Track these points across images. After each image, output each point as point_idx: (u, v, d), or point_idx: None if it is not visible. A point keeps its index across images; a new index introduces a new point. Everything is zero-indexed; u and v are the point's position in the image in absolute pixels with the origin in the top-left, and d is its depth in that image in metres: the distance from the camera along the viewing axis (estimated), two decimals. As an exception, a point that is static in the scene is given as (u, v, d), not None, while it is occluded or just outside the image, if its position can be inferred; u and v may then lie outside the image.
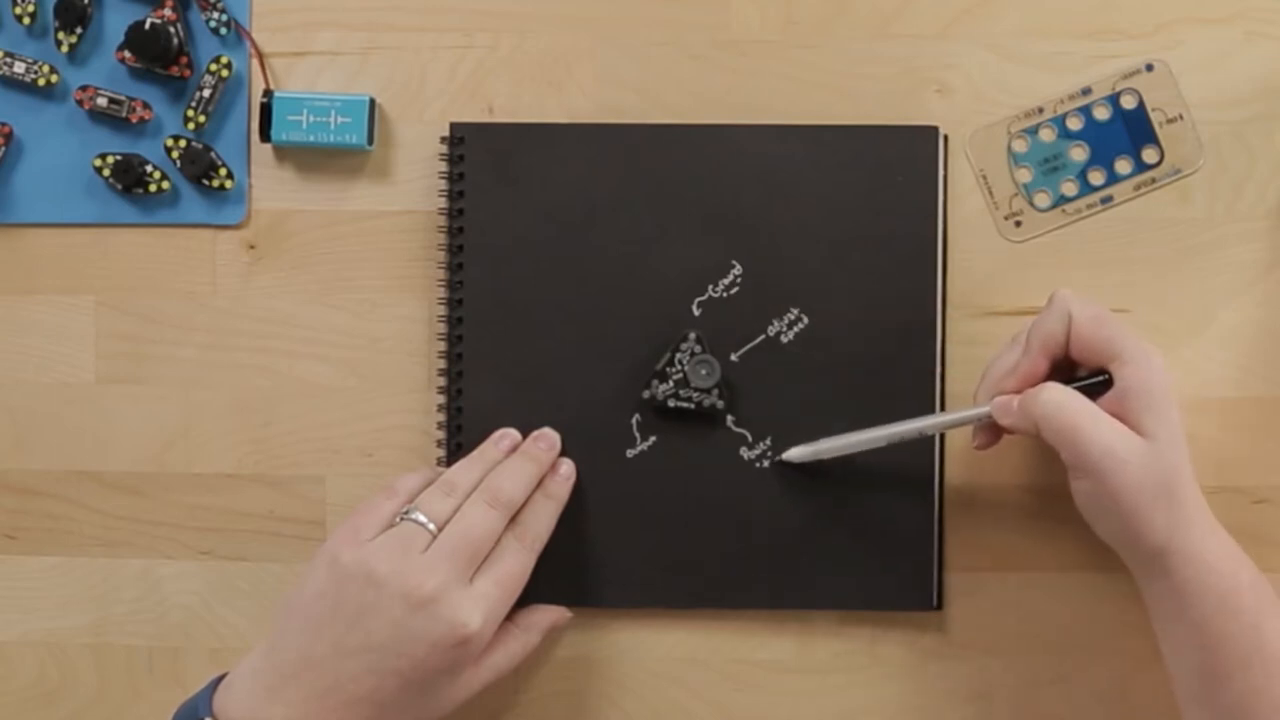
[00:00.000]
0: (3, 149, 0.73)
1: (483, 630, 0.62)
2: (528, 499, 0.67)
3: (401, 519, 0.64)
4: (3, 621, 0.74)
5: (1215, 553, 0.61)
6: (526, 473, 0.68)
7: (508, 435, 0.70)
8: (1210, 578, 0.61)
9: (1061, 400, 0.61)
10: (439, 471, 0.68)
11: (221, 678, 0.63)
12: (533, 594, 0.71)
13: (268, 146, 0.73)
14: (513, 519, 0.66)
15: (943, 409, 0.70)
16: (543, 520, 0.67)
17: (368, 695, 0.61)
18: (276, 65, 0.73)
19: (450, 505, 0.65)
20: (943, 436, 0.70)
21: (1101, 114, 0.71)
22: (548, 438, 0.70)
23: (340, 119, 0.70)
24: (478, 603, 0.62)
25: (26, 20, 0.73)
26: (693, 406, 0.70)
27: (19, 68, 0.73)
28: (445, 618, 0.61)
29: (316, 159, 0.73)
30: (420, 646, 0.61)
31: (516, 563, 0.65)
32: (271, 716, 0.60)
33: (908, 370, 0.70)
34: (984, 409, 0.65)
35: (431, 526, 0.64)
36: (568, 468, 0.69)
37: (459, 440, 0.71)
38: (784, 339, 0.70)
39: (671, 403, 0.70)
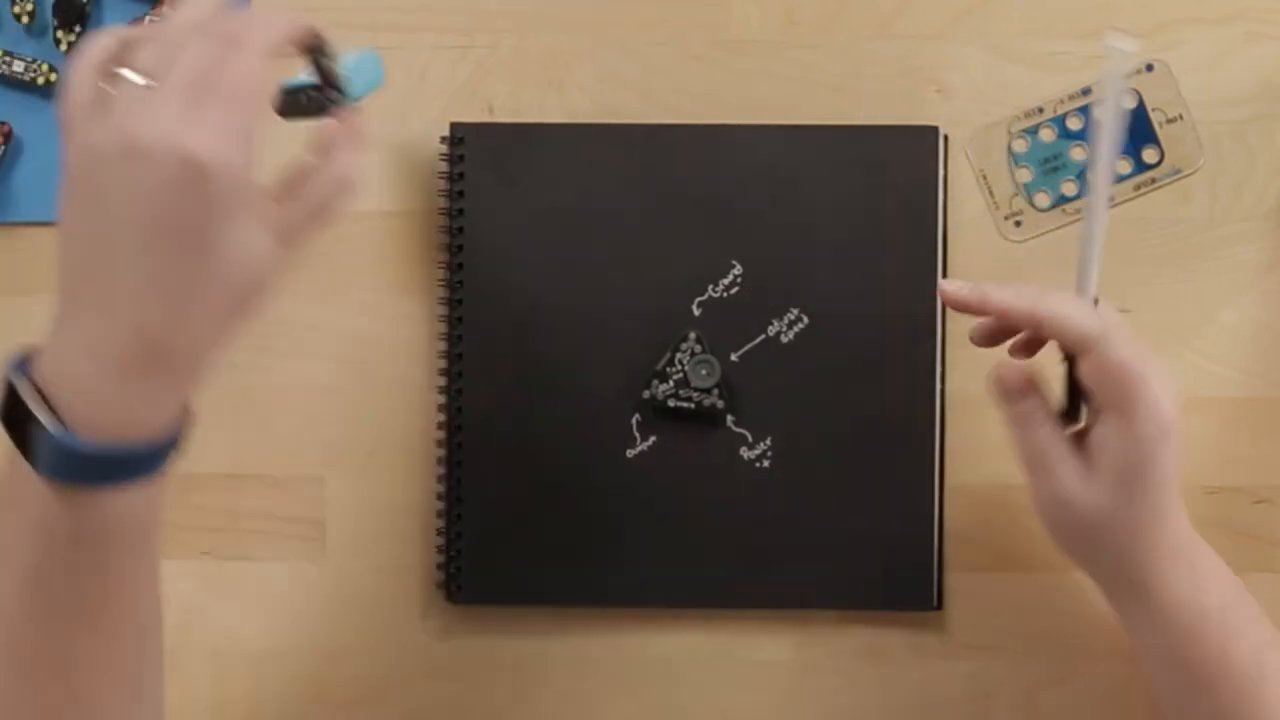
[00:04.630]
0: (2, 148, 0.73)
1: (221, 150, 0.49)
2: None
3: (107, 84, 0.51)
4: (3, 621, 0.74)
5: (1177, 586, 0.60)
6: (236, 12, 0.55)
7: None
8: (1171, 611, 0.60)
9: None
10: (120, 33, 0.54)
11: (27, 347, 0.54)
12: (531, 593, 0.71)
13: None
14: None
15: (942, 409, 0.70)
16: (258, 22, 0.54)
17: (141, 281, 0.50)
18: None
19: (162, 50, 0.51)
20: (943, 438, 0.70)
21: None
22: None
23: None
24: (203, 124, 0.49)
25: (25, 19, 0.73)
26: (693, 406, 0.70)
27: (18, 66, 0.73)
28: (167, 152, 0.49)
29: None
30: (160, 198, 0.49)
31: (239, 67, 0.51)
32: (62, 347, 0.52)
33: (908, 370, 0.70)
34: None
35: (138, 79, 0.51)
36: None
37: (459, 440, 0.71)
38: (784, 339, 0.70)
39: (671, 403, 0.70)
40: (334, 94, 0.57)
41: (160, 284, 0.51)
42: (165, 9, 0.58)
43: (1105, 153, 0.57)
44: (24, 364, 0.52)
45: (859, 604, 0.71)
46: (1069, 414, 0.61)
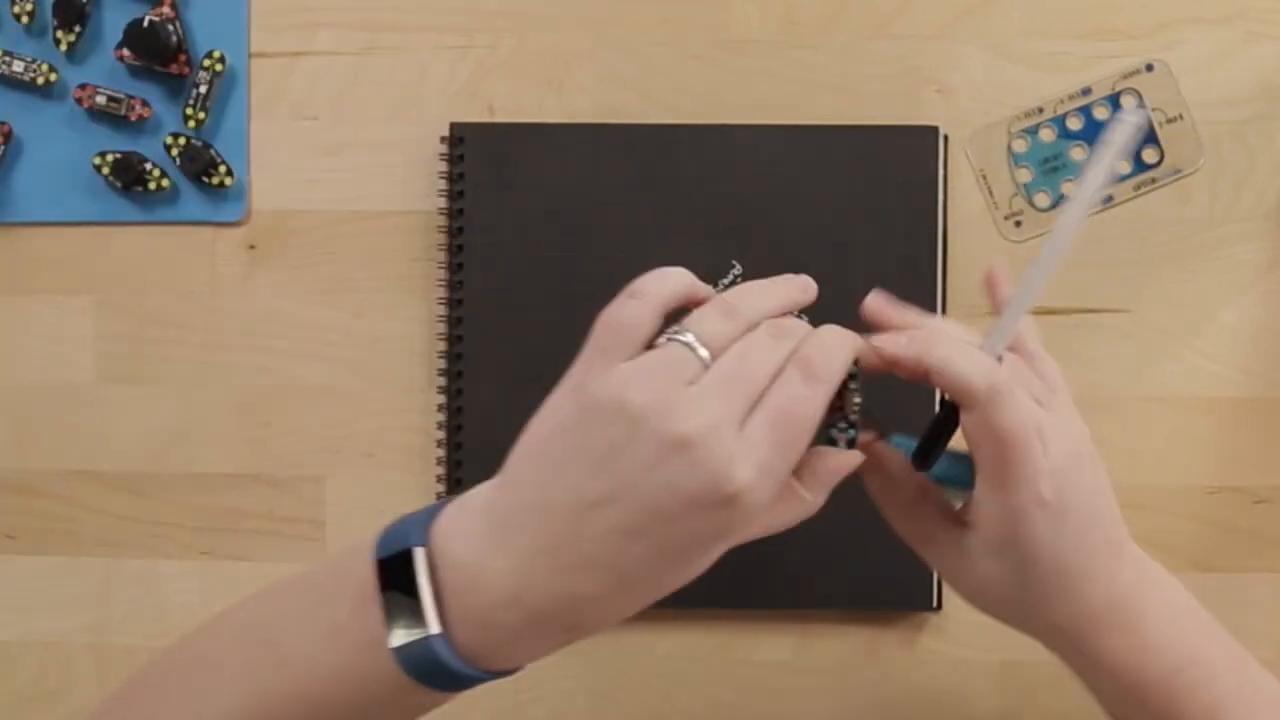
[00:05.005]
0: (2, 148, 0.73)
1: (754, 486, 0.47)
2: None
3: (668, 339, 0.49)
4: (3, 621, 0.74)
5: (1113, 653, 0.54)
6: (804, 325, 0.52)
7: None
8: (1109, 678, 0.55)
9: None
10: (698, 283, 0.52)
11: (446, 503, 0.51)
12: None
13: (267, 144, 0.73)
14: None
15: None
16: (834, 351, 0.50)
17: (607, 560, 0.47)
18: (276, 65, 0.73)
19: (731, 329, 0.49)
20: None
21: (1101, 114, 0.71)
22: None
23: None
24: (752, 450, 0.47)
25: (25, 19, 0.73)
26: (693, 406, 0.70)
27: (18, 66, 0.73)
28: (708, 466, 0.46)
29: (317, 158, 0.73)
30: (675, 501, 0.46)
31: (800, 399, 0.48)
32: (492, 564, 0.48)
33: (908, 370, 0.70)
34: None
35: (704, 353, 0.48)
36: None
37: (459, 440, 0.71)
38: (784, 339, 0.70)
39: (672, 403, 0.69)
40: (848, 426, 0.54)
41: (620, 573, 0.48)
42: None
43: (1077, 218, 0.53)
44: (425, 529, 0.50)
45: (859, 604, 0.71)
46: (919, 456, 0.55)
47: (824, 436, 0.53)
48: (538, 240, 0.71)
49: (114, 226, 0.74)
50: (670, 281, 0.51)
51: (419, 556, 0.48)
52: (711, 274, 0.71)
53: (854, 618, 0.71)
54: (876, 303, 0.56)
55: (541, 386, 0.70)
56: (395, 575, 0.49)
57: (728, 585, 0.71)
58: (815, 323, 0.70)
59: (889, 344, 0.54)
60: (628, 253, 0.71)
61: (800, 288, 0.53)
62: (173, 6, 0.73)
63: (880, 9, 0.72)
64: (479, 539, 0.48)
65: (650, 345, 0.49)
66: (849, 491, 0.70)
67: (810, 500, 0.52)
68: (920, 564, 0.70)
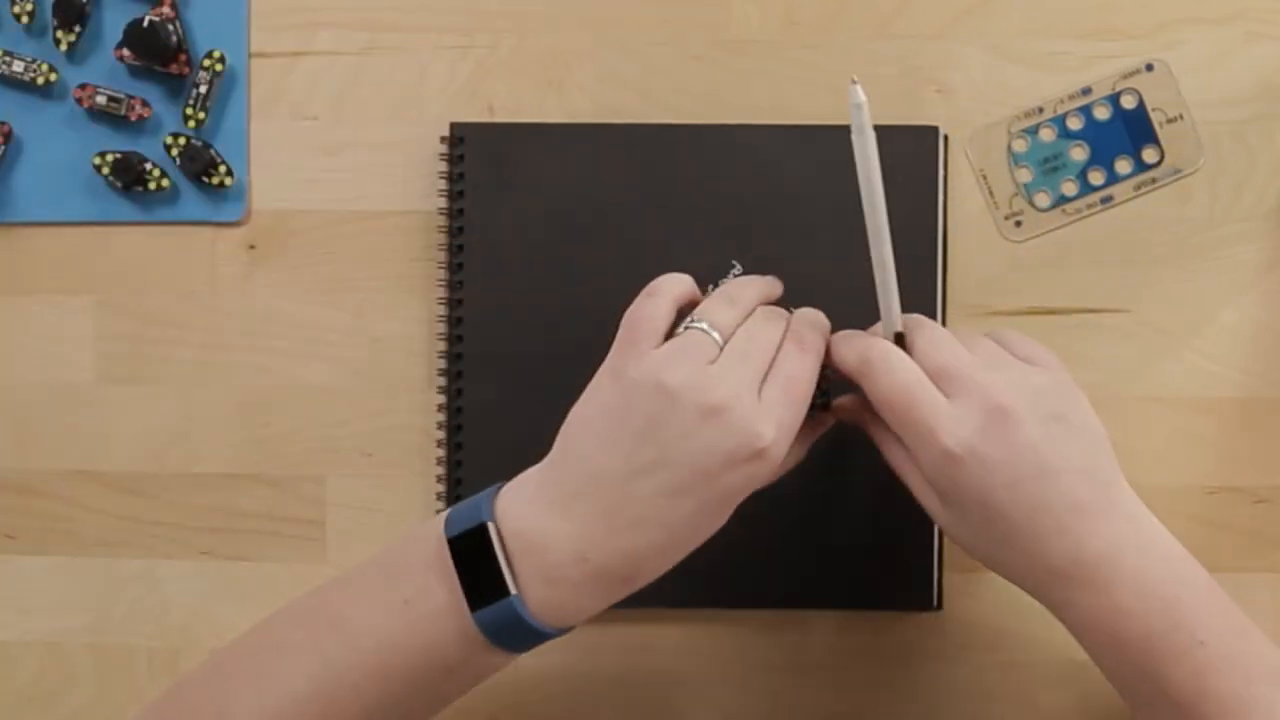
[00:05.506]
0: (2, 148, 0.73)
1: (777, 440, 0.56)
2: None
3: (687, 328, 0.58)
4: (3, 621, 0.74)
5: (1084, 610, 0.57)
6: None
7: None
8: (1083, 633, 0.58)
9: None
10: (695, 285, 0.62)
11: (500, 487, 0.59)
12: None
13: (267, 144, 0.73)
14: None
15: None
16: (816, 329, 0.61)
17: (657, 517, 0.56)
18: (276, 65, 0.73)
19: (735, 315, 0.59)
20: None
21: (1101, 114, 0.71)
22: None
23: None
24: (770, 412, 0.56)
25: (25, 19, 0.73)
26: (693, 406, 0.70)
27: (18, 66, 0.73)
28: (739, 427, 0.55)
29: (317, 158, 0.73)
30: (715, 460, 0.55)
31: (800, 367, 0.58)
32: (556, 530, 0.56)
33: (908, 370, 0.70)
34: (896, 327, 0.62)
35: (717, 336, 0.58)
36: None
37: (459, 440, 0.71)
38: (784, 339, 0.70)
39: (672, 403, 0.70)
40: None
41: (671, 527, 0.57)
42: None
43: (871, 183, 0.59)
44: (488, 508, 0.57)
45: (859, 604, 0.71)
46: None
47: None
48: (538, 240, 0.71)
49: (114, 226, 0.74)
50: (680, 282, 0.61)
51: (492, 529, 0.56)
52: (711, 274, 0.70)
53: (854, 618, 0.71)
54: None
55: (541, 386, 0.71)
56: (466, 550, 0.56)
57: (728, 585, 0.71)
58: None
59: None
60: (628, 253, 0.71)
61: (771, 283, 0.64)
62: (173, 6, 0.73)
63: (880, 9, 0.72)
64: (540, 509, 0.57)
65: (669, 335, 0.58)
66: (849, 492, 0.70)
67: (798, 453, 0.62)
68: (920, 564, 0.70)
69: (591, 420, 0.58)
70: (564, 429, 0.59)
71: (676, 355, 0.57)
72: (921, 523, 0.70)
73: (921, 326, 0.61)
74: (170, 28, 0.72)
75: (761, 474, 0.57)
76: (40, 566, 0.74)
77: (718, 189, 0.71)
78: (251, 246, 0.73)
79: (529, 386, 0.71)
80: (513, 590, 0.56)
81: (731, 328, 0.58)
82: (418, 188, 0.73)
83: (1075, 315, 0.71)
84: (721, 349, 0.58)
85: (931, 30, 0.72)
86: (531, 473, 0.59)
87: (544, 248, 0.71)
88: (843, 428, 0.69)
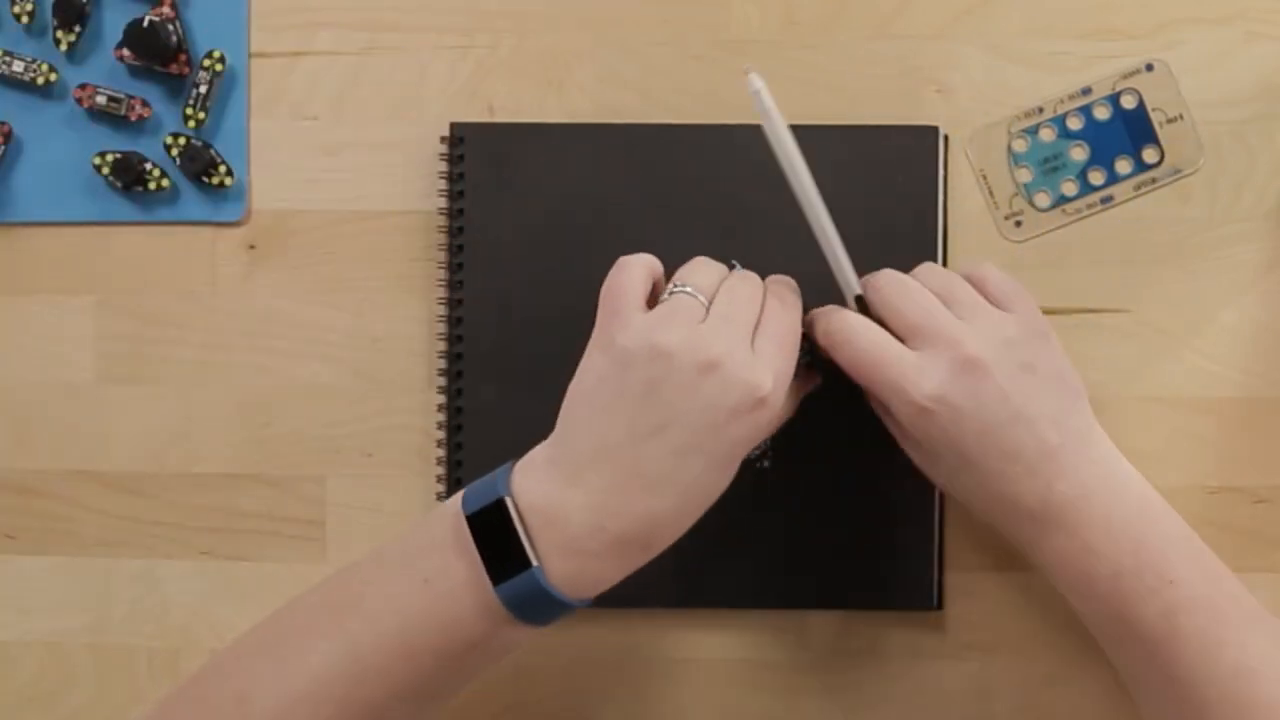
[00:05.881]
0: (2, 148, 0.73)
1: (775, 390, 0.58)
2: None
3: (671, 293, 0.60)
4: (3, 621, 0.74)
5: (1053, 550, 0.60)
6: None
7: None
8: (1053, 572, 0.61)
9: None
10: (655, 260, 0.63)
11: (513, 464, 0.60)
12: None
13: (267, 144, 0.73)
14: None
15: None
16: (790, 285, 0.64)
17: (670, 477, 0.57)
18: (276, 65, 0.73)
19: (715, 277, 0.61)
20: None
21: (1101, 114, 0.71)
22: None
23: None
24: (766, 362, 0.58)
25: (25, 19, 0.73)
26: (693, 406, 0.70)
27: (18, 66, 0.73)
28: (739, 378, 0.56)
29: (317, 158, 0.73)
30: (719, 413, 0.56)
31: (785, 319, 0.60)
32: (572, 500, 0.57)
33: (908, 370, 0.70)
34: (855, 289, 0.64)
35: (702, 298, 0.59)
36: None
37: (459, 440, 0.71)
38: (784, 339, 0.70)
39: (672, 403, 0.70)
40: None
41: (683, 486, 0.57)
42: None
43: (792, 161, 0.62)
44: (503, 485, 0.58)
45: (859, 604, 0.71)
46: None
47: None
48: (538, 240, 0.71)
49: (114, 226, 0.74)
50: (647, 259, 0.61)
51: (509, 504, 0.57)
52: (711, 274, 0.71)
53: (854, 618, 0.71)
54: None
55: (541, 386, 0.71)
56: (485, 526, 0.57)
57: (728, 585, 0.71)
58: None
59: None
60: (627, 253, 0.70)
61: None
62: (173, 6, 0.73)
63: (880, 9, 0.72)
64: (554, 484, 0.57)
65: (651, 303, 0.60)
66: (850, 491, 0.70)
67: (791, 406, 0.63)
68: (920, 564, 0.70)
69: (590, 393, 0.58)
70: (564, 406, 0.59)
71: (667, 317, 0.58)
72: (921, 523, 0.70)
73: (887, 283, 0.63)
74: (170, 28, 0.72)
75: (764, 422, 0.58)
76: (40, 566, 0.74)
77: (718, 189, 0.71)
78: (251, 246, 0.73)
79: (529, 386, 0.71)
80: (534, 562, 0.56)
81: (713, 289, 0.60)
82: (418, 188, 0.73)
83: (1075, 315, 0.71)
84: (708, 310, 0.59)
85: (931, 30, 0.72)
86: (538, 450, 0.59)
87: (544, 248, 0.71)
88: (843, 427, 0.69)
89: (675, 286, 0.60)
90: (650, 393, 0.57)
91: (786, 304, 0.61)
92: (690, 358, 0.56)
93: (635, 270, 0.60)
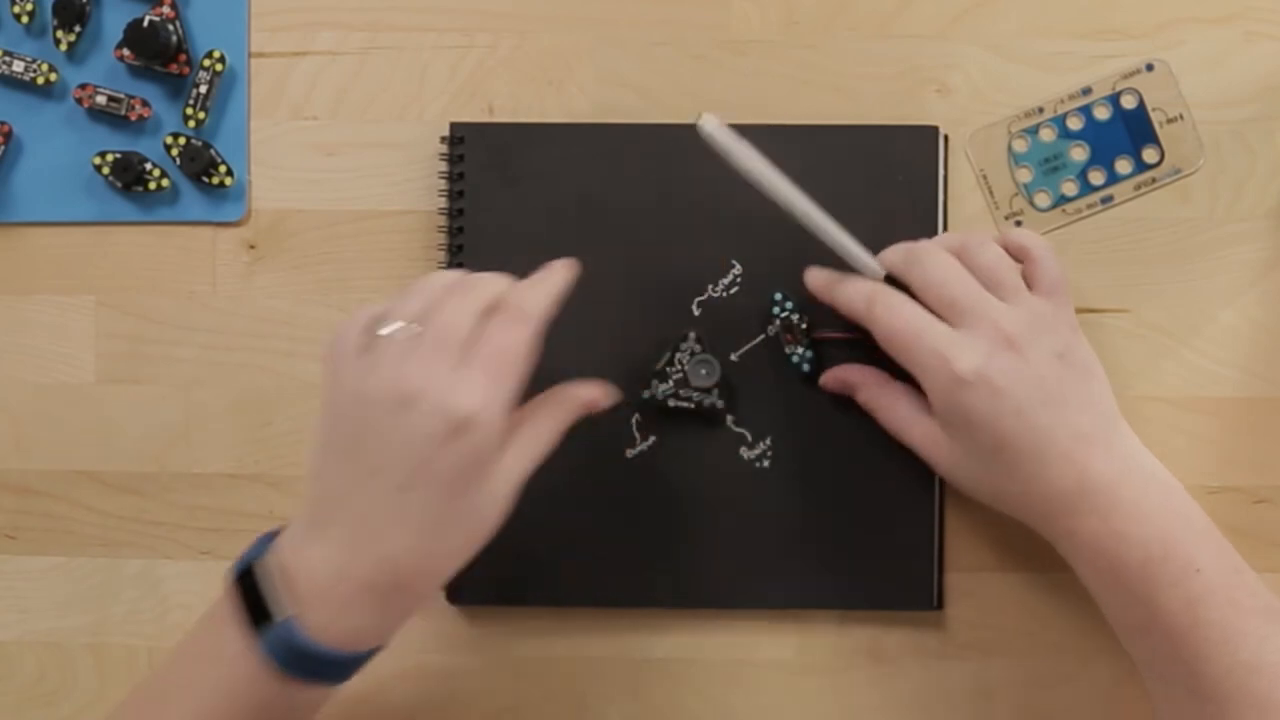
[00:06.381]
0: (2, 148, 0.73)
1: (484, 409, 0.56)
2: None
3: (371, 339, 0.59)
4: (3, 621, 0.74)
5: (1084, 535, 0.61)
6: (504, 279, 0.62)
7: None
8: (1082, 560, 0.62)
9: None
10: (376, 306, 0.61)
11: (277, 530, 0.61)
12: (531, 594, 0.71)
13: (267, 144, 0.73)
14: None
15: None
16: (535, 293, 0.61)
17: (399, 515, 0.57)
18: (276, 65, 0.73)
19: (419, 305, 0.59)
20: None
21: (1102, 114, 0.71)
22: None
23: None
24: (468, 383, 0.57)
25: (25, 19, 0.73)
26: (693, 406, 0.70)
27: (18, 66, 0.73)
28: (434, 407, 0.56)
29: (317, 158, 0.73)
30: (427, 445, 0.56)
31: (506, 335, 0.58)
32: (314, 554, 0.58)
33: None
34: (876, 268, 0.66)
35: (415, 327, 0.58)
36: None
37: (459, 440, 0.71)
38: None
39: (671, 402, 0.70)
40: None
41: (414, 523, 0.57)
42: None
43: (771, 180, 0.63)
44: (265, 549, 0.59)
45: (859, 604, 0.71)
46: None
47: (788, 361, 0.69)
48: (538, 240, 0.71)
49: (114, 226, 0.74)
50: (367, 308, 0.60)
51: (260, 564, 0.58)
52: (711, 274, 0.71)
53: (854, 618, 0.71)
54: (815, 280, 0.67)
55: (541, 386, 0.71)
56: (247, 590, 0.58)
57: (728, 585, 0.71)
58: (817, 325, 0.70)
59: (810, 280, 0.67)
60: (627, 252, 0.71)
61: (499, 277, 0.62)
62: (173, 6, 0.73)
63: (880, 9, 0.72)
64: (300, 541, 0.58)
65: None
66: (850, 491, 0.70)
67: (560, 416, 0.63)
68: (920, 564, 0.70)
69: (320, 449, 0.59)
70: (304, 465, 0.60)
71: (367, 363, 0.58)
72: (921, 523, 0.70)
73: (920, 260, 0.64)
74: (170, 28, 0.72)
75: (477, 444, 0.57)
76: (40, 566, 0.74)
77: (718, 189, 0.71)
78: (251, 246, 0.73)
79: (529, 386, 0.71)
80: (282, 615, 0.57)
81: (419, 316, 0.58)
82: (418, 187, 0.73)
83: (1076, 315, 0.71)
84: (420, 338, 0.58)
85: (931, 30, 0.72)
86: (299, 513, 0.60)
87: (544, 247, 0.71)
88: (843, 428, 0.69)
89: (383, 323, 0.59)
90: (359, 437, 0.57)
91: (513, 317, 0.59)
92: (390, 396, 0.56)
93: (349, 324, 0.59)
